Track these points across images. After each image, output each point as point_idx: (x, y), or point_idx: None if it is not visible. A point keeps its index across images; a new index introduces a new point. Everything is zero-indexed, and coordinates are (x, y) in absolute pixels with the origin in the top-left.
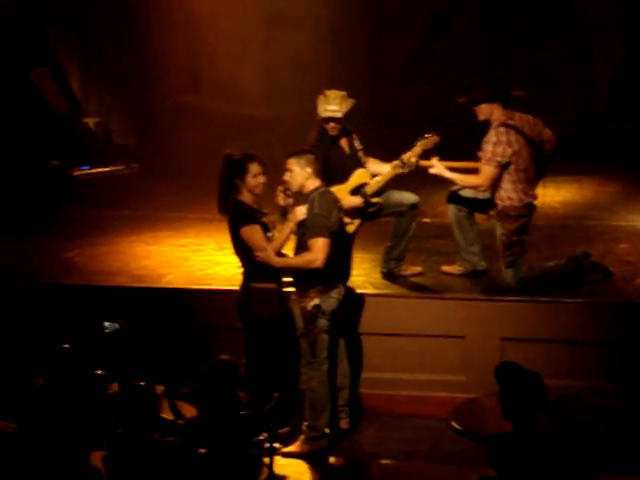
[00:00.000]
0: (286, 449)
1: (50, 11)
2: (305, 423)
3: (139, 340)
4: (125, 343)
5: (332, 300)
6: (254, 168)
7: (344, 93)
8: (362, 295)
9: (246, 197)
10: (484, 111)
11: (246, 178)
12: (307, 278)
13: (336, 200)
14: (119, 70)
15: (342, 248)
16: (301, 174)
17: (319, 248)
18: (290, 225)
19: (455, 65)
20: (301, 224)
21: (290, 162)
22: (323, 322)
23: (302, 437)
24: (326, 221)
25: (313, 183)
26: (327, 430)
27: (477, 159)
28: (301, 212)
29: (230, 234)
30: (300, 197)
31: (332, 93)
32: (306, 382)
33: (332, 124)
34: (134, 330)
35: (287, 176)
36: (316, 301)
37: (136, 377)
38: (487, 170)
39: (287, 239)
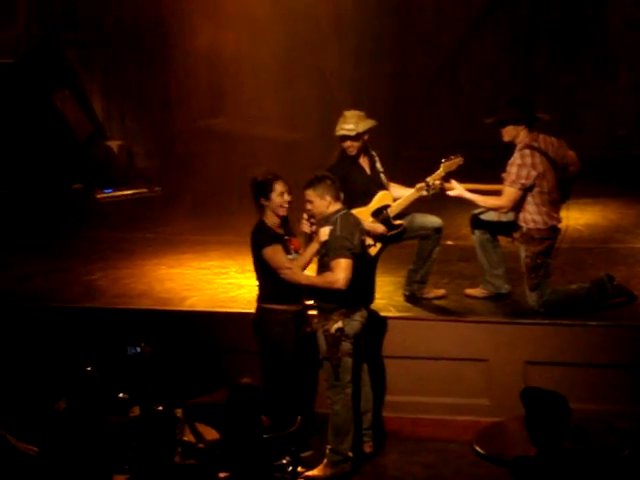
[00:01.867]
0: (309, 473)
1: (73, 34)
2: (328, 447)
3: (162, 363)
4: (147, 366)
5: (355, 323)
6: (279, 187)
7: (362, 113)
8: (385, 318)
9: (269, 218)
10: (510, 132)
11: (271, 196)
12: (330, 301)
13: (358, 222)
14: (142, 93)
15: (365, 271)
16: (322, 203)
17: (341, 269)
18: (315, 246)
19: (480, 87)
20: (324, 245)
21: (308, 194)
22: (346, 345)
23: (325, 461)
24: (348, 243)
25: (334, 207)
26: (350, 454)
27: (500, 181)
28: (324, 233)
29: (252, 255)
30: (323, 220)
31: (349, 113)
32: (330, 406)
33: (348, 143)
34: (157, 353)
35: (308, 206)
36: (339, 324)
37: (158, 401)
38: (510, 192)
39: (311, 260)
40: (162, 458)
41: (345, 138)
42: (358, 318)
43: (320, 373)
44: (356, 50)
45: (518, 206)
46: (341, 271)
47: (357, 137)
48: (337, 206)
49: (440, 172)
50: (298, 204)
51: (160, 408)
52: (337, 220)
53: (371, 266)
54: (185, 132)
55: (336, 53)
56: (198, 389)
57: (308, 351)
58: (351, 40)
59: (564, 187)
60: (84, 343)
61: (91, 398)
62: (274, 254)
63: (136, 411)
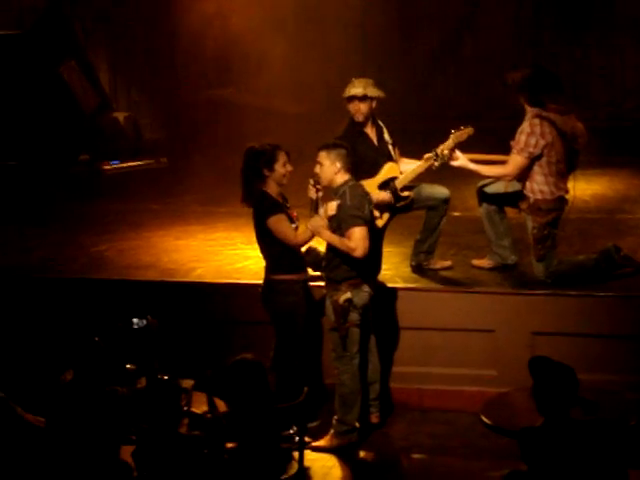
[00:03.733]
0: (316, 443)
1: (79, 6)
2: (335, 417)
3: (169, 334)
4: (154, 338)
5: (364, 294)
6: (282, 157)
7: (371, 80)
8: (392, 289)
9: (271, 188)
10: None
11: (275, 167)
12: (339, 272)
13: (366, 193)
14: (148, 64)
15: (372, 242)
16: (330, 168)
17: (357, 237)
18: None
19: (485, 60)
20: (333, 218)
21: (321, 155)
22: (354, 316)
23: (332, 431)
24: (359, 212)
25: (342, 177)
26: (357, 424)
27: (505, 152)
28: (332, 207)
29: (255, 225)
30: (330, 191)
31: (358, 79)
32: (337, 376)
33: (355, 104)
34: (164, 324)
35: (317, 169)
36: (348, 295)
37: (164, 372)
38: (517, 160)
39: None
40: (167, 429)
41: (353, 98)
42: (366, 289)
43: (328, 343)
44: (363, 22)
45: (525, 176)
46: (358, 240)
47: (364, 98)
48: (346, 177)
49: (449, 143)
50: (305, 177)
51: (166, 378)
52: (345, 191)
53: (378, 237)
54: (192, 103)
55: (342, 28)
56: (204, 360)
57: (316, 321)
58: (358, 11)
59: (572, 158)
60: (91, 314)
61: (98, 369)
62: (279, 223)
63: (143, 382)
